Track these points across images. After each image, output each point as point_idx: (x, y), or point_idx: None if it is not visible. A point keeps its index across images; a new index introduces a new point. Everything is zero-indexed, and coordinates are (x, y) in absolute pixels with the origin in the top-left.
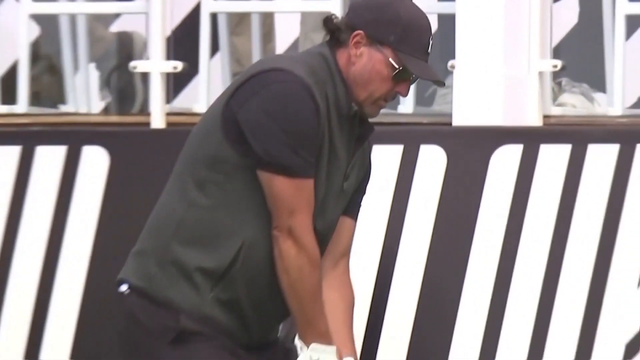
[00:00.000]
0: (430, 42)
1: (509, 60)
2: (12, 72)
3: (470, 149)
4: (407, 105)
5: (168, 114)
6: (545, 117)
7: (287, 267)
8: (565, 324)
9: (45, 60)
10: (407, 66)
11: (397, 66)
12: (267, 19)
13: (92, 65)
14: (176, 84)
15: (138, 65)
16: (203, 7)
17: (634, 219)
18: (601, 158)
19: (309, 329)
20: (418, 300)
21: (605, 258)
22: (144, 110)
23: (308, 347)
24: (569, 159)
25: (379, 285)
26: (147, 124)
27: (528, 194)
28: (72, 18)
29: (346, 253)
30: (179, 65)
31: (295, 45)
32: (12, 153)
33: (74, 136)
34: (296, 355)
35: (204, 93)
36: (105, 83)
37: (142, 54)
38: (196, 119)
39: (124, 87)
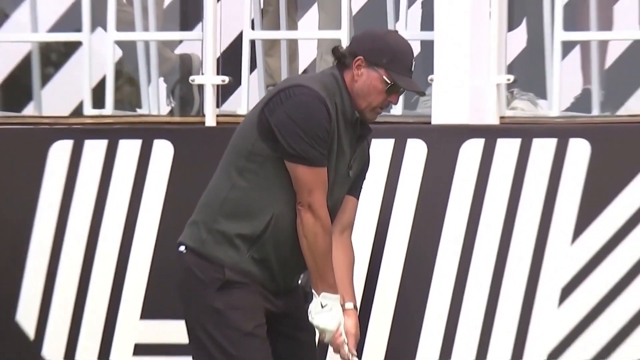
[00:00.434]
0: (413, 63)
1: (474, 75)
2: (101, 85)
3: (444, 142)
4: (397, 109)
5: (218, 116)
6: (501, 117)
7: (306, 232)
8: (514, 292)
9: (126, 75)
10: (397, 82)
11: (389, 82)
12: (292, 44)
13: (161, 79)
14: (224, 93)
15: (195, 79)
16: (244, 35)
17: (568, 195)
18: (543, 149)
19: (320, 281)
20: (404, 260)
21: (544, 230)
22: (200, 113)
23: (319, 295)
24: (519, 150)
25: (375, 250)
26: (202, 123)
27: (488, 176)
28: (146, 43)
29: (350, 224)
30: (226, 79)
31: (313, 63)
32: (101, 145)
33: (147, 132)
34: (312, 298)
35: (244, 100)
36: (170, 92)
37: (199, 71)
38: (239, 119)
39: (184, 96)
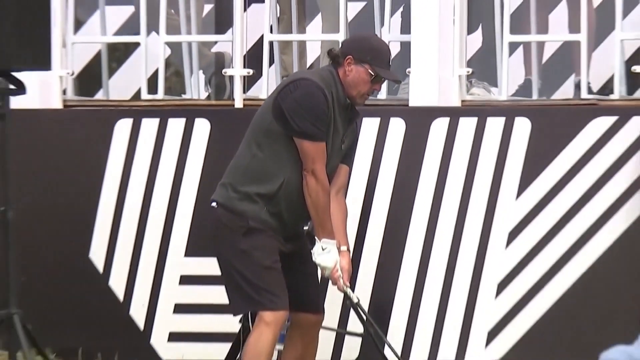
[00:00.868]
0: (390, 58)
1: (441, 68)
2: (154, 76)
3: (419, 120)
4: (382, 94)
5: (244, 99)
6: (463, 101)
7: (310, 192)
8: (472, 232)
9: (173, 68)
10: (379, 74)
11: (373, 74)
12: (301, 45)
13: (200, 72)
14: (249, 82)
15: (227, 71)
16: (265, 37)
17: (514, 160)
18: (494, 125)
19: (321, 229)
20: (388, 212)
21: (496, 187)
22: (230, 97)
23: (320, 240)
24: (475, 126)
25: (364, 205)
26: (232, 105)
27: (452, 146)
28: (189, 44)
29: (343, 185)
30: (250, 71)
31: (317, 60)
32: (154, 123)
33: (190, 112)
34: (315, 242)
35: (265, 87)
36: (207, 81)
37: (229, 65)
38: (260, 102)
39: (218, 84)
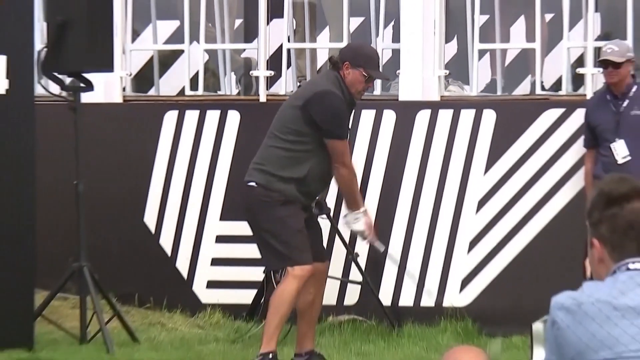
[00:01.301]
0: (379, 61)
1: (424, 70)
2: (195, 76)
3: (407, 112)
4: (377, 90)
5: (267, 95)
6: (442, 96)
7: (344, 180)
8: (449, 200)
9: (210, 70)
10: (372, 74)
11: (367, 75)
12: (313, 51)
13: (232, 73)
14: (271, 81)
15: (254, 73)
16: (284, 45)
17: (482, 144)
18: (467, 116)
19: (353, 205)
20: (382, 184)
21: (468, 165)
22: (256, 94)
23: (353, 212)
24: (452, 117)
25: (363, 179)
26: (257, 100)
27: (433, 132)
28: (224, 51)
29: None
30: (272, 73)
31: (325, 64)
32: (195, 114)
33: (224, 106)
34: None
35: (283, 86)
36: (238, 81)
37: (256, 68)
38: (280, 98)
39: (247, 83)
